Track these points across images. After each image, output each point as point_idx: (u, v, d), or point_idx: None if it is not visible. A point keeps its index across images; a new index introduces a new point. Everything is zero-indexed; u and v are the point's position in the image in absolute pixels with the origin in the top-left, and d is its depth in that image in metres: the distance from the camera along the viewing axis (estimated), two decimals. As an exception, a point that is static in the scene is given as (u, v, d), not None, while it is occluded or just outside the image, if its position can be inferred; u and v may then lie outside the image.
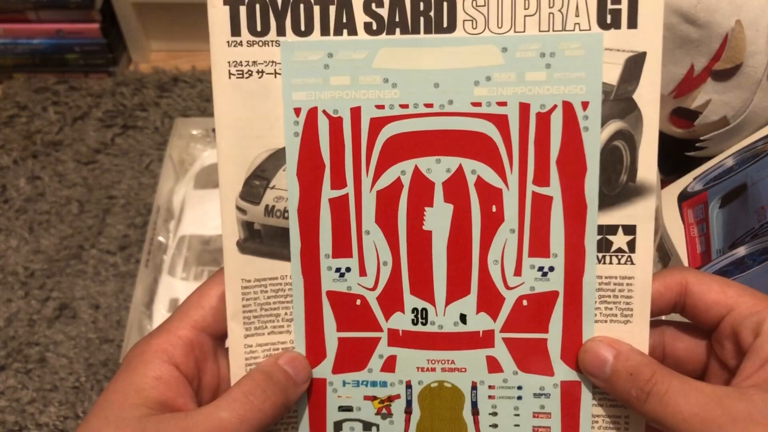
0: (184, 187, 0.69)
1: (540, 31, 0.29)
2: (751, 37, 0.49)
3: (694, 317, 0.31)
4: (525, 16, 0.29)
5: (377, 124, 0.30)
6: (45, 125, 0.77)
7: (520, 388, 0.32)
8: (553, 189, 0.30)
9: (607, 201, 0.30)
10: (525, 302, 0.31)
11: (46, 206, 0.71)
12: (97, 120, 0.77)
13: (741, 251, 0.46)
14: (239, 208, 0.31)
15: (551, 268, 0.31)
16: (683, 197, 0.53)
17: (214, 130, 0.67)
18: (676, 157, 0.55)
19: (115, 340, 0.62)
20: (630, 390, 0.29)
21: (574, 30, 0.29)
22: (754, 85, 0.51)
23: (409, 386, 0.32)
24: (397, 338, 0.32)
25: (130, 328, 0.58)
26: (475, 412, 0.32)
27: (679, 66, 0.52)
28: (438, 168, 0.31)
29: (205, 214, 0.64)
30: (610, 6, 0.29)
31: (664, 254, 0.53)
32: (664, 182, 0.54)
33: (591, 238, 0.31)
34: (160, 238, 0.64)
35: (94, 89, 0.80)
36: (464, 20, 0.29)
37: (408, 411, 0.32)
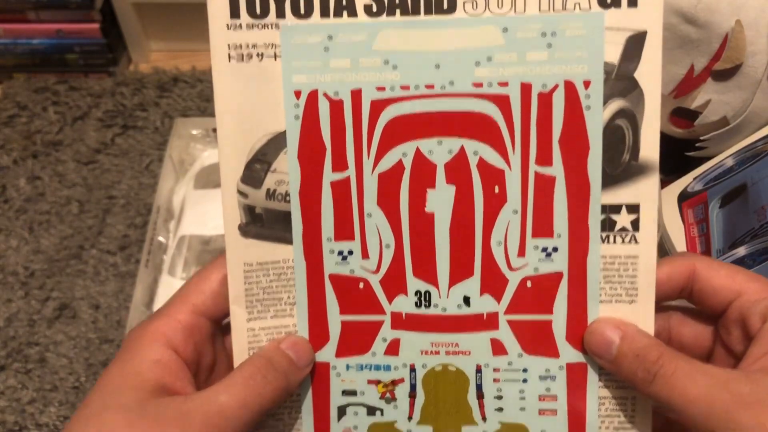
0: (184, 187, 0.69)
1: (540, 11, 0.29)
2: (751, 37, 0.49)
3: (702, 302, 0.31)
4: None
5: (378, 107, 0.30)
6: (45, 125, 0.77)
7: (525, 370, 0.32)
8: (556, 169, 0.30)
9: (610, 180, 0.30)
10: (529, 283, 0.31)
11: (46, 206, 0.71)
12: (97, 120, 0.77)
13: (741, 251, 0.46)
14: (240, 192, 0.31)
15: (555, 249, 0.31)
16: (683, 197, 0.53)
17: (214, 130, 0.67)
18: (676, 157, 0.55)
19: (115, 341, 0.62)
20: (636, 371, 0.29)
21: (574, 10, 0.29)
22: (754, 85, 0.51)
23: (413, 370, 0.32)
24: (400, 321, 0.32)
25: (130, 328, 0.58)
26: (480, 395, 0.32)
27: (679, 66, 0.52)
28: (440, 149, 0.30)
29: (205, 214, 0.64)
30: None
31: (664, 254, 0.53)
32: (664, 182, 0.54)
33: (595, 218, 0.30)
34: (160, 238, 0.64)
35: (94, 89, 0.80)
36: (464, 2, 0.29)
37: (412, 395, 0.32)
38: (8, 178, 0.72)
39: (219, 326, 0.33)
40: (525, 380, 0.32)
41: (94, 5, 0.79)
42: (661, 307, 0.31)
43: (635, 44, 0.29)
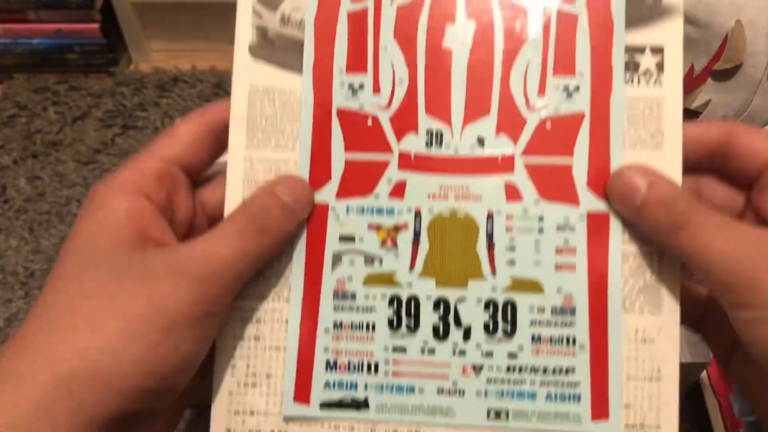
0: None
1: None
2: (751, 37, 0.49)
3: (736, 165, 0.29)
4: None
5: None
6: (45, 125, 0.77)
7: (541, 219, 0.29)
8: (579, 6, 0.29)
9: (633, 21, 0.29)
10: (549, 124, 0.29)
11: (46, 206, 0.71)
12: (97, 120, 0.77)
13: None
14: (255, 12, 0.30)
15: (577, 88, 0.29)
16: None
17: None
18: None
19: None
20: (662, 221, 0.26)
21: None
22: (754, 85, 0.51)
23: (418, 215, 0.29)
24: (408, 162, 0.29)
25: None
26: (491, 245, 0.29)
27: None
28: None
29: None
30: None
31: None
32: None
33: (618, 57, 0.29)
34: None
35: (94, 89, 0.80)
36: None
37: (416, 243, 0.29)
38: (8, 178, 0.72)
39: (193, 181, 0.30)
40: (541, 230, 0.29)
41: (94, 5, 0.79)
42: (690, 169, 0.29)
43: None
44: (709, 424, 0.52)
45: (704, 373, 0.54)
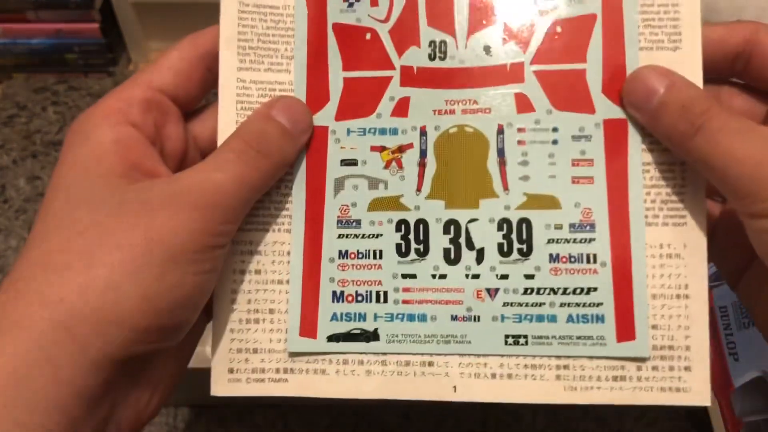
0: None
1: None
2: (752, 37, 0.49)
3: (760, 69, 0.27)
4: None
5: None
6: (45, 125, 0.77)
7: (555, 129, 0.27)
8: None
9: None
10: (559, 28, 0.27)
11: (45, 206, 0.71)
12: (97, 120, 0.77)
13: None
14: None
15: None
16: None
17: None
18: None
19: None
20: (678, 123, 0.25)
21: None
22: (754, 85, 0.51)
23: (423, 133, 0.28)
24: (411, 77, 0.28)
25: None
26: (502, 161, 0.27)
27: None
28: None
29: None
30: None
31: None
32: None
33: None
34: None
35: (94, 89, 0.80)
36: None
37: (422, 163, 0.28)
38: (8, 178, 0.72)
39: (184, 112, 0.28)
40: (555, 141, 0.27)
41: (93, 5, 0.79)
42: (710, 79, 0.28)
43: None
44: (710, 424, 0.52)
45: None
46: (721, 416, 0.50)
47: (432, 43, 0.28)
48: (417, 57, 0.28)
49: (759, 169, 0.23)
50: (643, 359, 0.26)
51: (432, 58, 0.28)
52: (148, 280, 0.23)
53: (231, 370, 0.27)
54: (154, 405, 0.26)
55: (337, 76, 0.28)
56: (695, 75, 0.27)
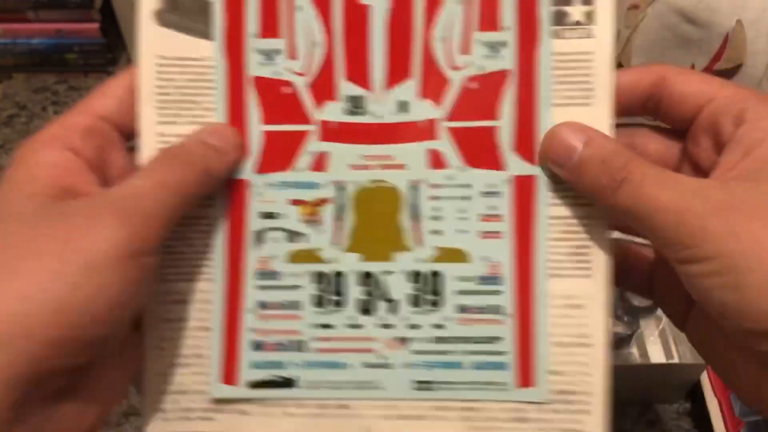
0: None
1: None
2: (752, 37, 0.49)
3: (669, 111, 0.28)
4: None
5: None
6: (45, 125, 0.77)
7: (466, 186, 0.28)
8: None
9: None
10: (473, 84, 0.28)
11: (45, 206, 0.71)
12: (97, 120, 0.77)
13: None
14: None
15: (503, 44, 0.28)
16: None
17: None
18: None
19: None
20: (600, 178, 0.25)
21: None
22: (754, 85, 0.50)
23: (341, 187, 0.28)
24: (329, 132, 0.28)
25: None
26: (416, 216, 0.28)
27: (679, 66, 0.52)
28: None
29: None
30: None
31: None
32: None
33: (545, 8, 0.28)
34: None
35: (94, 89, 0.80)
36: None
37: (339, 217, 0.29)
38: (8, 178, 0.72)
39: (127, 140, 0.28)
40: (466, 197, 0.28)
41: (93, 5, 0.79)
42: (624, 123, 0.28)
43: None
44: (710, 424, 0.52)
45: (704, 373, 0.54)
46: (721, 416, 0.50)
47: (349, 98, 0.28)
48: (335, 112, 0.29)
49: (680, 217, 0.23)
50: (542, 403, 0.28)
51: (349, 113, 0.29)
52: (63, 291, 0.22)
53: (162, 410, 0.29)
54: (97, 419, 0.25)
55: (256, 129, 0.29)
56: (609, 128, 0.27)
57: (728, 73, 0.50)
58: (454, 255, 0.28)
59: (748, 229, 0.22)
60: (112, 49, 0.83)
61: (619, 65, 0.29)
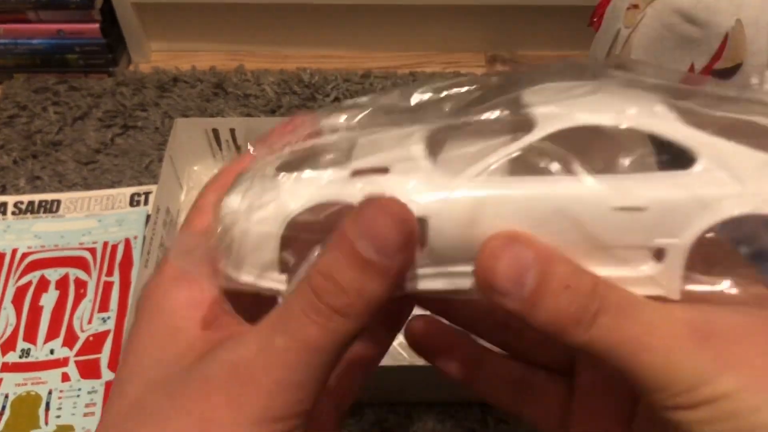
0: (185, 186, 0.69)
1: None
2: (752, 36, 0.49)
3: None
4: None
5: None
6: (45, 125, 0.77)
7: (79, 390, 0.54)
8: (116, 278, 0.60)
9: None
10: (91, 338, 0.57)
11: (46, 206, 0.71)
12: (97, 120, 0.77)
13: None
14: None
15: (108, 318, 0.58)
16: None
17: (214, 130, 0.67)
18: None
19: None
20: (568, 308, 0.20)
21: None
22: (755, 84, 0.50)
23: (6, 397, 0.53)
24: (8, 367, 0.55)
25: (127, 330, 0.58)
26: (48, 409, 0.53)
27: (679, 65, 0.51)
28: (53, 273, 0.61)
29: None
30: None
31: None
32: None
33: None
34: (160, 238, 0.64)
35: (94, 89, 0.80)
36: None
37: (1, 414, 0.52)
38: (8, 178, 0.72)
39: None
40: (78, 395, 0.53)
41: (94, 5, 0.79)
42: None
43: None
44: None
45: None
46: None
47: (23, 350, 0.56)
48: (13, 357, 0.55)
49: (671, 356, 0.19)
50: None
51: (21, 357, 0.55)
52: None
53: None
54: None
55: None
56: None
57: (728, 73, 0.50)
58: (66, 428, 0.54)
59: (742, 359, 0.19)
60: (113, 50, 0.83)
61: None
